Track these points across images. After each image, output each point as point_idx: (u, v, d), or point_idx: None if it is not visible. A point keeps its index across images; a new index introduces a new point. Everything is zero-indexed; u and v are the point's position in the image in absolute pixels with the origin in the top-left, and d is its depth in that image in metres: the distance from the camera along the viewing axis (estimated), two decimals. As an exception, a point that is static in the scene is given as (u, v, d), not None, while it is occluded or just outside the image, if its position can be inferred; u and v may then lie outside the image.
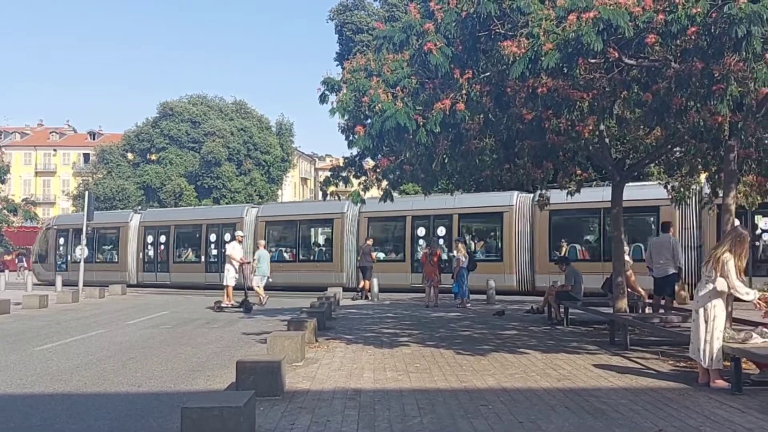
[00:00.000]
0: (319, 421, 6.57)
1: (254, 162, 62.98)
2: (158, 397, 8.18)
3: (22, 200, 20.61)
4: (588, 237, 24.99)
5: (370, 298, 22.61)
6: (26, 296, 21.68)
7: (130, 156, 63.50)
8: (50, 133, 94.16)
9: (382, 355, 10.63)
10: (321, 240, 30.83)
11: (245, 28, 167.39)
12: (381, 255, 26.22)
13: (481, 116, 10.59)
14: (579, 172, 13.68)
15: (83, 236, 27.54)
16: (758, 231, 20.40)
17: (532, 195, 18.08)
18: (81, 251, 27.52)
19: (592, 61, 8.94)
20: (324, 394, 7.80)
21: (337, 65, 42.02)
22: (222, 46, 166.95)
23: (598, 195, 19.39)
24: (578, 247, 23.99)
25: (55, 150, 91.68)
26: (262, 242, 23.26)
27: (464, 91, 9.46)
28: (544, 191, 14.76)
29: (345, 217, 27.94)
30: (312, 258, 29.98)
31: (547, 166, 12.72)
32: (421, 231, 26.74)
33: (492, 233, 26.51)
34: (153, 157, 61.68)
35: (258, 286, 21.00)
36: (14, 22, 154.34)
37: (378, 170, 12.79)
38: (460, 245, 20.95)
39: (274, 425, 6.37)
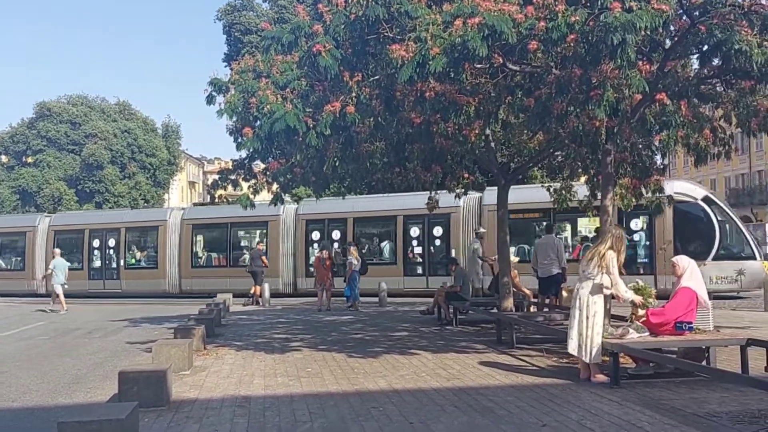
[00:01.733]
0: (207, 431, 6.38)
1: (139, 165, 60.81)
2: (33, 412, 7.72)
3: None
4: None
5: (261, 303, 22.27)
6: None
7: (3, 159, 59.91)
8: None
9: (273, 360, 10.48)
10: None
11: (130, 26, 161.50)
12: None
13: (371, 119, 10.65)
14: (466, 175, 13.96)
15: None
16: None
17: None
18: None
19: (478, 66, 9.15)
20: (212, 403, 7.59)
21: (226, 66, 41.21)
22: (105, 44, 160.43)
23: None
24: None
25: None
26: (57, 251, 23.86)
27: (354, 94, 9.46)
28: (433, 194, 14.98)
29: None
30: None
31: (436, 169, 12.91)
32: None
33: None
34: (29, 160, 58.41)
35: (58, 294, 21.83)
36: None
37: (268, 173, 12.63)
38: (352, 249, 21.02)
39: (158, 437, 6.13)
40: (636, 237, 21.60)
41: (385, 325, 15.45)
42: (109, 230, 30.46)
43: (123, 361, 11.18)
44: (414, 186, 14.27)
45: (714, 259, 20.12)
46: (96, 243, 30.40)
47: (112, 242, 30.12)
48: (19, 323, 18.59)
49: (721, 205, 21.81)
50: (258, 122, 9.96)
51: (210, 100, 11.44)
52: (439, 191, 14.77)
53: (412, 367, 9.53)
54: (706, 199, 21.06)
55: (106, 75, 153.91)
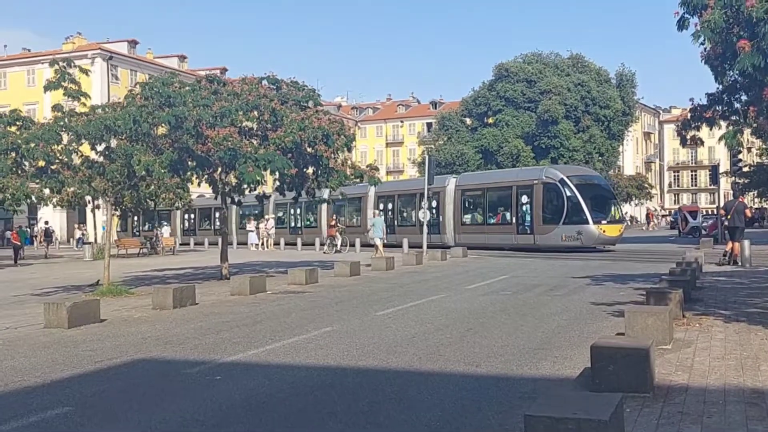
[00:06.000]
0: (715, 441, 4.73)
1: (593, 118, 59.80)
2: (498, 382, 6.94)
3: (367, 166, 21.22)
4: None
5: (740, 263, 19.20)
6: (374, 259, 22.41)
7: (468, 121, 64.49)
8: (397, 106, 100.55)
9: (779, 339, 8.20)
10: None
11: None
12: None
13: None
14: None
15: (425, 200, 28.10)
16: None
17: None
18: (423, 215, 28.08)
19: None
20: (710, 395, 5.87)
21: None
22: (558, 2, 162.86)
23: None
24: None
25: (402, 121, 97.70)
26: (376, 211, 31.43)
27: None
28: None
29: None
30: None
31: None
32: None
33: None
34: (490, 121, 61.84)
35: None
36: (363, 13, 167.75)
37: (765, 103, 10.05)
38: None
39: (649, 442, 4.69)
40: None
41: None
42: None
43: (589, 326, 10.02)
44: None
45: (563, 223, 28.63)
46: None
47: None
48: (485, 276, 18.97)
49: (570, 185, 28.83)
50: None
51: (681, 23, 9.59)
52: None
53: None
54: (561, 181, 29.10)
55: (559, 32, 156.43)
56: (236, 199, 19.68)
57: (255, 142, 17.92)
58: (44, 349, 9.40)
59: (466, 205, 34.19)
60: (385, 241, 28.88)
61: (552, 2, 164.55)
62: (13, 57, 62.73)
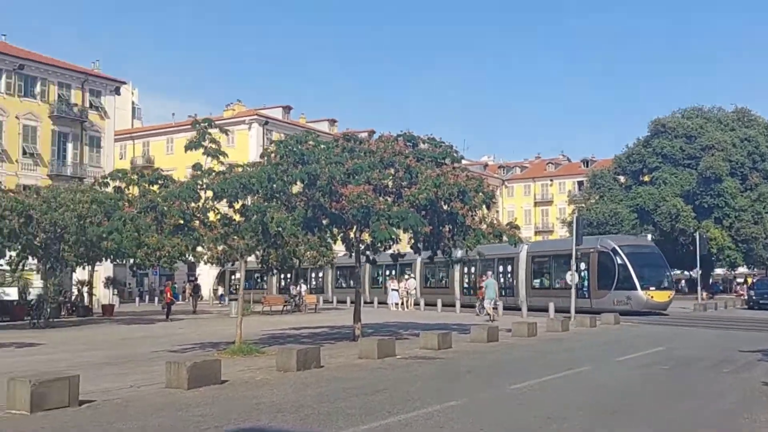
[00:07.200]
0: None
1: (762, 175, 55.24)
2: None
3: (507, 224, 20.11)
4: None
5: None
6: (516, 324, 21.08)
7: (621, 179, 61.58)
8: (546, 164, 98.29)
9: None
10: None
11: (686, 30, 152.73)
12: None
13: None
14: None
15: (573, 262, 26.46)
16: None
17: None
18: (571, 277, 26.40)
19: None
20: None
21: None
22: (670, 55, 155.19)
23: None
24: None
25: (551, 180, 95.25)
26: (489, 273, 31.05)
27: None
28: None
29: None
30: None
31: None
32: None
33: None
34: (645, 178, 58.69)
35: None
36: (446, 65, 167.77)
37: None
38: None
39: None
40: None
41: None
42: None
43: (761, 414, 8.40)
44: None
45: (615, 289, 31.51)
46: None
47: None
48: (638, 347, 17.16)
49: (622, 254, 31.83)
50: None
51: None
52: None
53: None
54: (613, 250, 32.26)
55: (720, 85, 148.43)
56: (371, 258, 19.20)
57: (389, 199, 17.44)
58: (157, 411, 9.07)
59: (535, 269, 36.35)
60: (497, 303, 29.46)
61: (712, 56, 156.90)
62: (180, 124, 67.33)
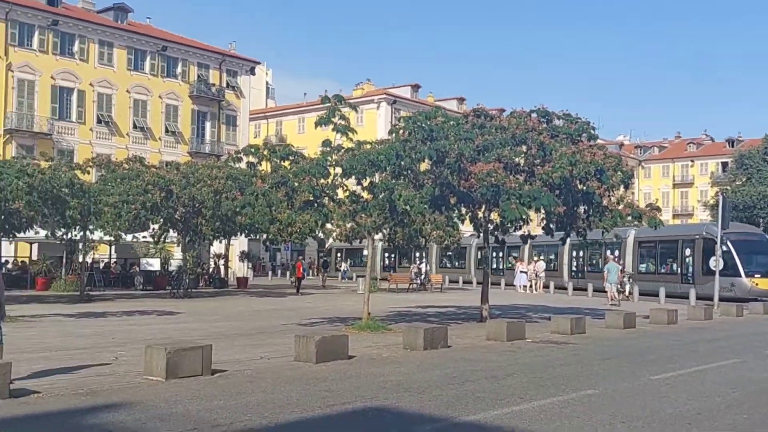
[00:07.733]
0: None
1: None
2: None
3: (646, 206, 18.99)
4: None
5: None
6: (654, 310, 19.93)
7: (773, 159, 57.42)
8: (687, 144, 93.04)
9: None
10: None
11: None
12: None
13: None
14: None
15: (717, 246, 24.70)
16: None
17: None
18: (715, 262, 24.67)
19: None
20: None
21: None
22: None
23: None
24: None
25: (692, 161, 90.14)
26: (611, 256, 30.63)
27: None
28: None
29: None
30: None
31: None
32: None
33: None
34: (800, 159, 54.33)
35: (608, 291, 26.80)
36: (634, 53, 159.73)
37: None
38: None
39: None
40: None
41: None
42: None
43: None
44: None
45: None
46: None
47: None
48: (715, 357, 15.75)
49: (727, 240, 29.21)
50: None
51: None
52: None
53: None
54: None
55: None
56: (500, 238, 18.67)
57: (521, 177, 16.83)
58: (285, 384, 9.09)
59: (642, 254, 36.15)
60: (620, 288, 29.17)
61: None
62: (312, 104, 68.66)
